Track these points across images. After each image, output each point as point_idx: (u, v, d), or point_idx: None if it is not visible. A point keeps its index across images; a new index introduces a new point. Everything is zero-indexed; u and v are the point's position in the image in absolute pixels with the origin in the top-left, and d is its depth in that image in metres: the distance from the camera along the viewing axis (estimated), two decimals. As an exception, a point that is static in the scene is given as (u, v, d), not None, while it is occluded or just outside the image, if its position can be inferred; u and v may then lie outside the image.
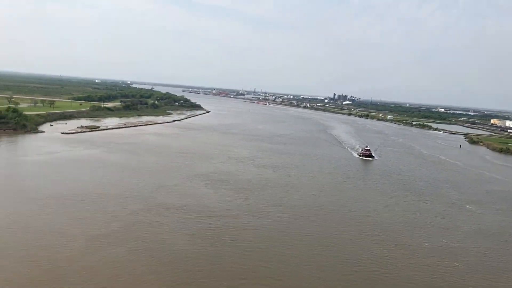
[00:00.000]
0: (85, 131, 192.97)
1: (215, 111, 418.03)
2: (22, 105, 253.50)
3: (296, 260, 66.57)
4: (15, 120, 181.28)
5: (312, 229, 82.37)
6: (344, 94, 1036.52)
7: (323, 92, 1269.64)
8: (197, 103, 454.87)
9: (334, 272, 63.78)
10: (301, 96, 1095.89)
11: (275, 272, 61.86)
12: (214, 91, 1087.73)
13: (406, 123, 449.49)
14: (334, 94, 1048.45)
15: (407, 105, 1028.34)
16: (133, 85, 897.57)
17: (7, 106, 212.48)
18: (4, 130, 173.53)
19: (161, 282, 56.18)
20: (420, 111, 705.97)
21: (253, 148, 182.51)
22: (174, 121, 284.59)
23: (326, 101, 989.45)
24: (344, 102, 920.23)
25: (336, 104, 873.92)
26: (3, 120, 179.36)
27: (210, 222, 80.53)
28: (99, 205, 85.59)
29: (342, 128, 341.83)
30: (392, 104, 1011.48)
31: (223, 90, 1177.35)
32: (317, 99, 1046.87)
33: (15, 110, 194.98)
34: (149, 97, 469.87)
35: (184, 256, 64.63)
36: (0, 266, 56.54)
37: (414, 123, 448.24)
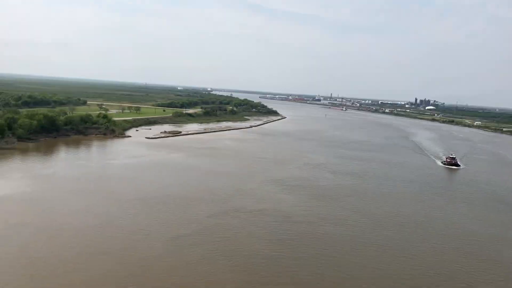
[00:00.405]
0: (168, 136, 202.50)
1: (291, 117, 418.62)
2: (112, 111, 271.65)
3: (374, 272, 64.49)
4: (105, 125, 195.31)
5: (391, 239, 79.36)
6: (426, 99, 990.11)
7: (404, 96, 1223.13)
8: (273, 109, 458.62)
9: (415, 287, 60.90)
10: (380, 101, 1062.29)
11: (352, 281, 60.40)
12: (290, 97, 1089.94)
13: (495, 130, 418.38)
14: (416, 99, 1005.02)
15: (497, 110, 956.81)
16: (213, 92, 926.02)
17: (98, 112, 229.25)
18: (95, 134, 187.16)
19: (237, 283, 57.16)
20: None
21: (329, 154, 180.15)
22: (251, 126, 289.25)
23: (407, 106, 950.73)
24: (427, 107, 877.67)
25: (418, 109, 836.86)
26: (95, 125, 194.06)
27: (286, 228, 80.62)
28: (179, 207, 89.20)
29: (425, 134, 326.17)
30: (480, 109, 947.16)
31: (299, 96, 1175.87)
32: (397, 104, 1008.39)
33: (105, 116, 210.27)
34: (228, 103, 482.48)
35: (260, 260, 65.23)
36: (93, 264, 60.82)
37: (504, 129, 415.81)
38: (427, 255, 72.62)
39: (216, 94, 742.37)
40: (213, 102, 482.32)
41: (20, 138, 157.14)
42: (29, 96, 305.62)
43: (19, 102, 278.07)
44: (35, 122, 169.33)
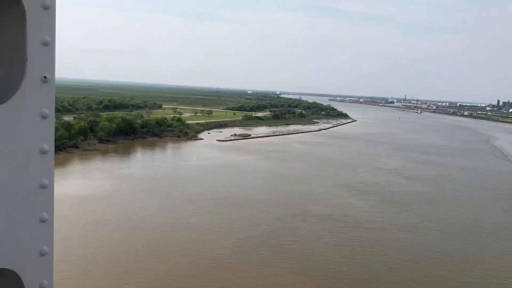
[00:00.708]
0: (238, 139, 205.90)
1: (362, 120, 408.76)
2: (185, 115, 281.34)
3: (455, 284, 60.92)
4: (179, 128, 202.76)
5: (471, 249, 74.56)
6: (510, 101, 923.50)
7: (484, 99, 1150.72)
8: (343, 112, 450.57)
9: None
10: (458, 104, 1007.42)
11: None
12: (361, 100, 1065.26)
13: None
14: (498, 101, 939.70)
15: None
16: (282, 95, 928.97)
17: (172, 115, 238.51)
18: (170, 137, 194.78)
19: (305, 287, 56.59)
20: None
21: (402, 159, 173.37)
22: (320, 129, 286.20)
23: (488, 108, 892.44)
24: (511, 110, 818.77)
25: (500, 112, 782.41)
26: (169, 128, 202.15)
27: (356, 234, 78.55)
28: (248, 208, 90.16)
29: (509, 138, 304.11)
30: None
31: (370, 98, 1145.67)
32: (477, 106, 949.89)
33: (179, 119, 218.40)
34: (296, 106, 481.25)
35: (330, 265, 64.08)
36: (164, 261, 63.14)
37: None
38: (512, 268, 67.43)
39: (284, 97, 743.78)
40: (281, 105, 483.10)
41: (100, 140, 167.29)
42: (109, 100, 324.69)
43: (100, 106, 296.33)
44: (114, 125, 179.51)
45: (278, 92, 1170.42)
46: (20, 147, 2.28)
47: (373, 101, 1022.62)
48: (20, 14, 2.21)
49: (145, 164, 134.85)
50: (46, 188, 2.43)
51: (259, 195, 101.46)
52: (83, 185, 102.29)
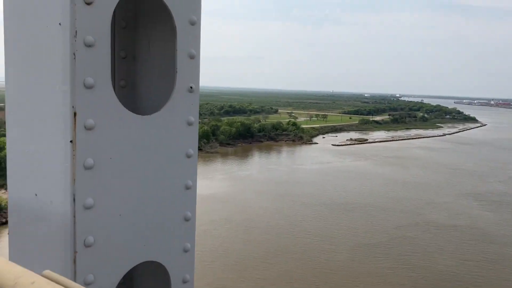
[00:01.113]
0: (354, 144, 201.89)
1: (493, 124, 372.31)
2: (300, 119, 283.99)
3: None
4: (294, 133, 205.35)
5: None
6: None
7: None
8: (471, 115, 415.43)
9: None
10: None
11: None
12: (492, 102, 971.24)
13: None
14: None
15: None
16: (402, 98, 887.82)
17: (288, 120, 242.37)
18: (285, 140, 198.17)
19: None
20: None
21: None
22: (444, 134, 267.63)
23: None
24: None
25: None
26: (284, 132, 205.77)
27: (485, 248, 71.84)
28: (364, 215, 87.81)
29: None
30: None
31: (503, 100, 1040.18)
32: None
33: (294, 124, 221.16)
34: (418, 110, 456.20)
35: (454, 279, 59.59)
36: (279, 261, 64.43)
37: None
38: None
39: (405, 100, 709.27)
40: (401, 109, 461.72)
41: (221, 143, 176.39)
42: (229, 106, 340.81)
43: (221, 111, 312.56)
44: (234, 129, 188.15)
45: (397, 95, 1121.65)
46: (169, 151, 2.47)
47: (506, 103, 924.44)
48: (171, 30, 2.42)
49: (261, 167, 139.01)
50: (190, 189, 2.63)
51: (376, 202, 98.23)
52: (206, 185, 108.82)
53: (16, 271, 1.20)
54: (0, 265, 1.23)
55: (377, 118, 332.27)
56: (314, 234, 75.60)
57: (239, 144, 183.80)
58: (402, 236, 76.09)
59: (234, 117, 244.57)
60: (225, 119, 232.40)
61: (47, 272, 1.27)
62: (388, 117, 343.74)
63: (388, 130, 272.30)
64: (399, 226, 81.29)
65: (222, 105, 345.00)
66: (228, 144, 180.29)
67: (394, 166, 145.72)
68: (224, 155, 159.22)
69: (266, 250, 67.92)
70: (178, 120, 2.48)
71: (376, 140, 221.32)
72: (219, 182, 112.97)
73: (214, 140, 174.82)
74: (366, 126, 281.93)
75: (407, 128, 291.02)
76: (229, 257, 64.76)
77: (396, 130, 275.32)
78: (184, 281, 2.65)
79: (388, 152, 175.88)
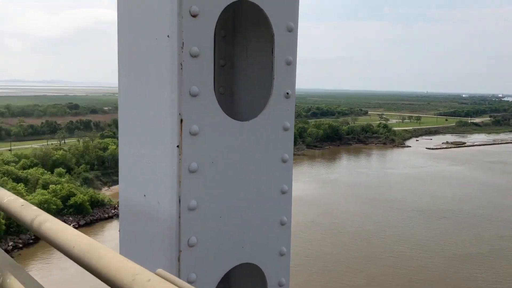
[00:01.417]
0: (450, 147, 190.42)
1: None
2: (391, 121, 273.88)
3: None
4: (384, 135, 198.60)
5: None
6: None
7: None
8: None
9: None
10: None
11: None
12: None
13: None
14: None
15: None
16: (505, 98, 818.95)
17: (378, 122, 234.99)
18: (375, 143, 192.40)
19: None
20: None
21: None
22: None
23: None
24: None
25: None
26: (375, 135, 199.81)
27: None
28: (461, 223, 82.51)
29: None
30: None
31: None
32: None
33: (385, 126, 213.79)
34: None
35: None
36: (370, 266, 62.83)
37: None
38: None
39: (508, 101, 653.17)
40: (505, 110, 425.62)
41: (308, 145, 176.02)
42: (317, 108, 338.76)
43: (309, 113, 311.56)
44: (321, 131, 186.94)
45: (500, 95, 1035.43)
46: (266, 156, 2.51)
47: None
48: (269, 37, 2.47)
49: (349, 170, 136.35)
50: (286, 193, 2.66)
51: (473, 210, 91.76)
52: (292, 187, 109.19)
53: (134, 268, 1.27)
54: (119, 262, 1.31)
55: (477, 120, 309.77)
56: (407, 241, 72.63)
57: (326, 147, 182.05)
58: (505, 247, 70.28)
59: (322, 119, 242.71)
60: (312, 121, 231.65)
61: (160, 270, 1.33)
62: (489, 119, 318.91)
63: (489, 133, 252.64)
64: (502, 237, 75.20)
65: (309, 107, 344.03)
66: (315, 146, 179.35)
67: (496, 171, 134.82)
68: (311, 158, 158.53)
69: (354, 255, 66.63)
70: (274, 126, 2.51)
71: (475, 143, 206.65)
72: (305, 185, 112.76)
73: (301, 142, 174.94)
74: (464, 128, 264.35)
75: (511, 131, 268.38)
76: (317, 261, 64.54)
77: (498, 133, 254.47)
78: (280, 285, 2.65)
79: (489, 157, 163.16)
